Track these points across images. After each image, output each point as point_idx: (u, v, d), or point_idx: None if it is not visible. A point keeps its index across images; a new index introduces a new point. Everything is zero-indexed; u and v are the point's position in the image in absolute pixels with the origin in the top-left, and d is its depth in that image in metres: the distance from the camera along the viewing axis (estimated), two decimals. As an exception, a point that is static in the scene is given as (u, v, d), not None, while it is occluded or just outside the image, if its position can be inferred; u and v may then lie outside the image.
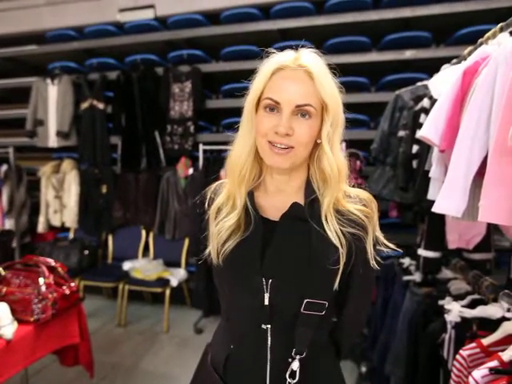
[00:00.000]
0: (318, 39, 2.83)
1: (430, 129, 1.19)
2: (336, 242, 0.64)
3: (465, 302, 1.29)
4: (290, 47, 0.71)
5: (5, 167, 3.40)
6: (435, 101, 1.33)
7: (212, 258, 0.71)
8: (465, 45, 1.53)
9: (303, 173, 0.71)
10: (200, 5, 3.00)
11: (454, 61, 1.52)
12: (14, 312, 1.43)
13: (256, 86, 0.66)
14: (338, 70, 0.68)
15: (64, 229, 3.46)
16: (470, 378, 0.87)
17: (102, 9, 3.24)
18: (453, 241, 1.54)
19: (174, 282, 2.87)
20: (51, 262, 1.65)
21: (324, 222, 0.66)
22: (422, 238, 1.73)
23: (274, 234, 0.67)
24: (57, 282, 1.58)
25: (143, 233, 3.28)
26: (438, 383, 1.32)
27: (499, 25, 1.08)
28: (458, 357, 1.04)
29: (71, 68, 3.40)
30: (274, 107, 0.64)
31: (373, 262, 0.67)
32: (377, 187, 2.02)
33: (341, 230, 0.65)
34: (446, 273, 1.66)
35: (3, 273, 1.58)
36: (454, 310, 1.23)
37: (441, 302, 1.37)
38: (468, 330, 1.17)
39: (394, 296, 1.91)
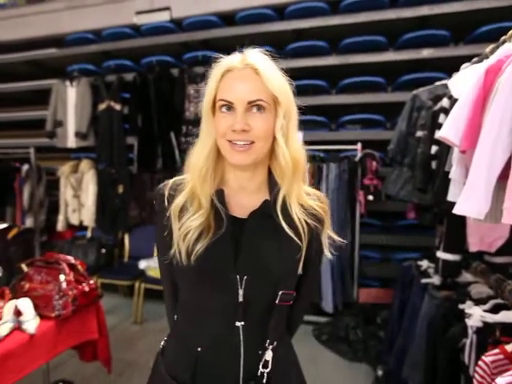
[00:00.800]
0: (333, 39, 2.83)
1: (451, 129, 1.17)
2: (300, 231, 0.69)
3: (487, 306, 1.26)
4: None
5: (26, 167, 3.49)
6: (455, 100, 1.31)
7: (177, 259, 0.68)
8: (485, 43, 1.49)
9: (265, 169, 0.73)
10: (215, 6, 3.02)
11: (475, 59, 1.49)
12: (36, 307, 1.47)
13: (208, 90, 0.69)
14: (291, 73, 0.71)
15: (82, 227, 3.54)
16: (494, 385, 0.85)
17: (119, 12, 3.31)
18: (474, 243, 1.50)
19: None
20: (71, 259, 1.69)
21: (288, 214, 0.69)
22: (440, 241, 1.70)
23: (243, 231, 0.69)
24: (76, 279, 1.62)
25: (158, 232, 3.31)
26: (458, 389, 1.29)
27: (524, 22, 1.05)
28: (480, 363, 1.02)
29: (89, 70, 3.48)
30: (228, 107, 0.66)
31: (325, 252, 0.74)
32: (394, 188, 1.99)
33: (306, 220, 0.70)
34: (466, 276, 1.62)
35: (26, 269, 1.63)
36: (476, 315, 1.20)
37: (461, 306, 1.34)
38: (490, 336, 1.14)
39: (412, 299, 1.88)
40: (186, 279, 0.73)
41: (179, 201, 0.70)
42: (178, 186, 0.73)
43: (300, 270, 0.72)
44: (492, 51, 1.25)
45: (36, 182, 3.50)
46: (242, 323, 0.68)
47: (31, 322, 1.39)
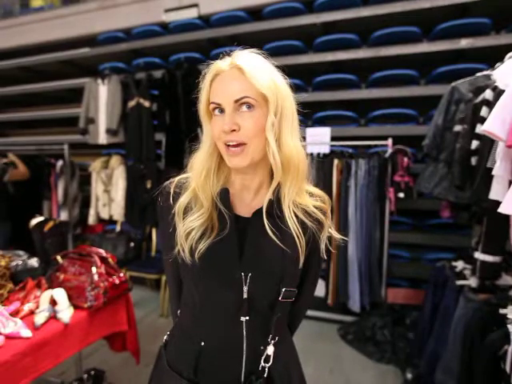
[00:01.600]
0: (364, 31, 2.74)
1: (495, 122, 1.09)
2: (296, 231, 0.70)
3: (532, 312, 1.18)
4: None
5: (60, 163, 3.64)
6: (500, 92, 1.23)
7: (182, 257, 0.70)
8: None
9: (265, 168, 0.73)
10: (243, 1, 3.01)
11: (522, 48, 1.39)
12: (70, 298, 1.53)
13: (202, 95, 0.71)
14: (285, 69, 0.71)
15: (111, 221, 3.65)
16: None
17: (148, 10, 3.37)
18: (517, 245, 1.41)
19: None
20: (102, 252, 1.74)
21: (288, 213, 0.70)
22: (479, 241, 1.61)
23: (247, 230, 0.71)
24: (107, 271, 1.66)
25: (185, 227, 3.36)
26: (498, 398, 1.22)
27: None
28: (525, 372, 0.95)
29: (120, 68, 3.56)
30: (220, 109, 0.67)
31: (323, 253, 0.75)
32: (428, 185, 1.90)
33: (303, 220, 0.72)
34: (506, 279, 1.53)
35: (61, 261, 1.69)
36: (520, 321, 1.12)
37: (503, 311, 1.26)
38: (536, 343, 1.07)
39: (445, 301, 1.80)
40: (192, 276, 0.74)
41: (183, 200, 0.72)
42: (183, 184, 0.75)
43: (301, 266, 0.73)
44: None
45: (70, 178, 3.64)
46: (247, 318, 0.70)
47: (66, 312, 1.45)
